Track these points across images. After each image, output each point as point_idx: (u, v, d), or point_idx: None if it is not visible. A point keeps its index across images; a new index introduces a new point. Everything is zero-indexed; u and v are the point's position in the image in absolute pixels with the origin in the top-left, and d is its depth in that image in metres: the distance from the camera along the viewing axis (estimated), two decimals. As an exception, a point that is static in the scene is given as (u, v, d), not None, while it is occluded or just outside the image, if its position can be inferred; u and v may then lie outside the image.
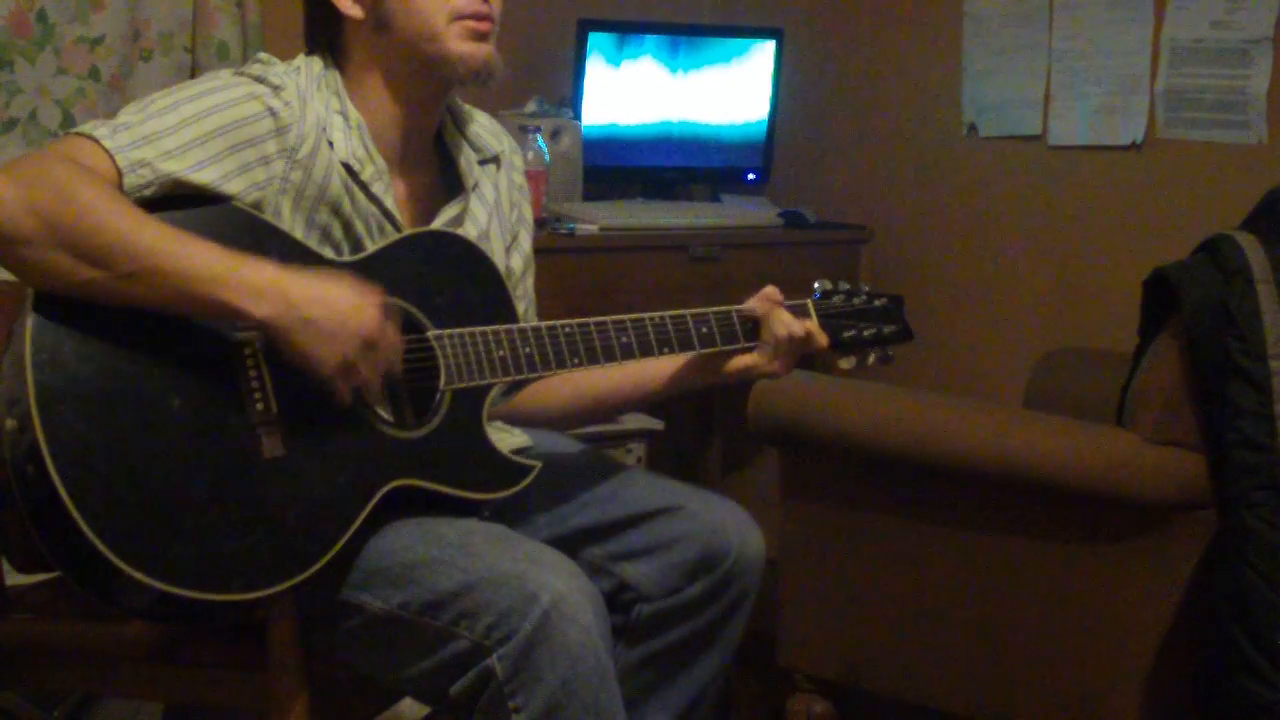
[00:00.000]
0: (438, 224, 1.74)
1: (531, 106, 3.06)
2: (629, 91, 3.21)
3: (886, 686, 2.29)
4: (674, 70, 3.26)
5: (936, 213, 3.28)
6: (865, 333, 1.83)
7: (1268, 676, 1.87)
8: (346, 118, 1.67)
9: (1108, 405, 2.15)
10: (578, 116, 3.09)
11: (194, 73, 2.70)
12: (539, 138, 2.88)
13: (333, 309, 1.49)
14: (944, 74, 3.22)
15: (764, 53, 3.36)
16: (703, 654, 1.77)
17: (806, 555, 2.35)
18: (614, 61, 3.18)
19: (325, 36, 1.72)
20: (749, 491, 3.50)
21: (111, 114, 1.59)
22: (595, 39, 3.13)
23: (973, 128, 3.19)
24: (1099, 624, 2.07)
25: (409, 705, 1.98)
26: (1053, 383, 2.69)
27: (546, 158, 2.89)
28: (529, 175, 2.77)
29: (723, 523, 1.74)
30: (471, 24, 1.67)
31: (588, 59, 3.13)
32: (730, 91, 3.34)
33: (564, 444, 1.91)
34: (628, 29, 3.21)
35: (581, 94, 3.13)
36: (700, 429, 3.51)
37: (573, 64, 3.14)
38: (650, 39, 3.22)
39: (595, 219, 2.91)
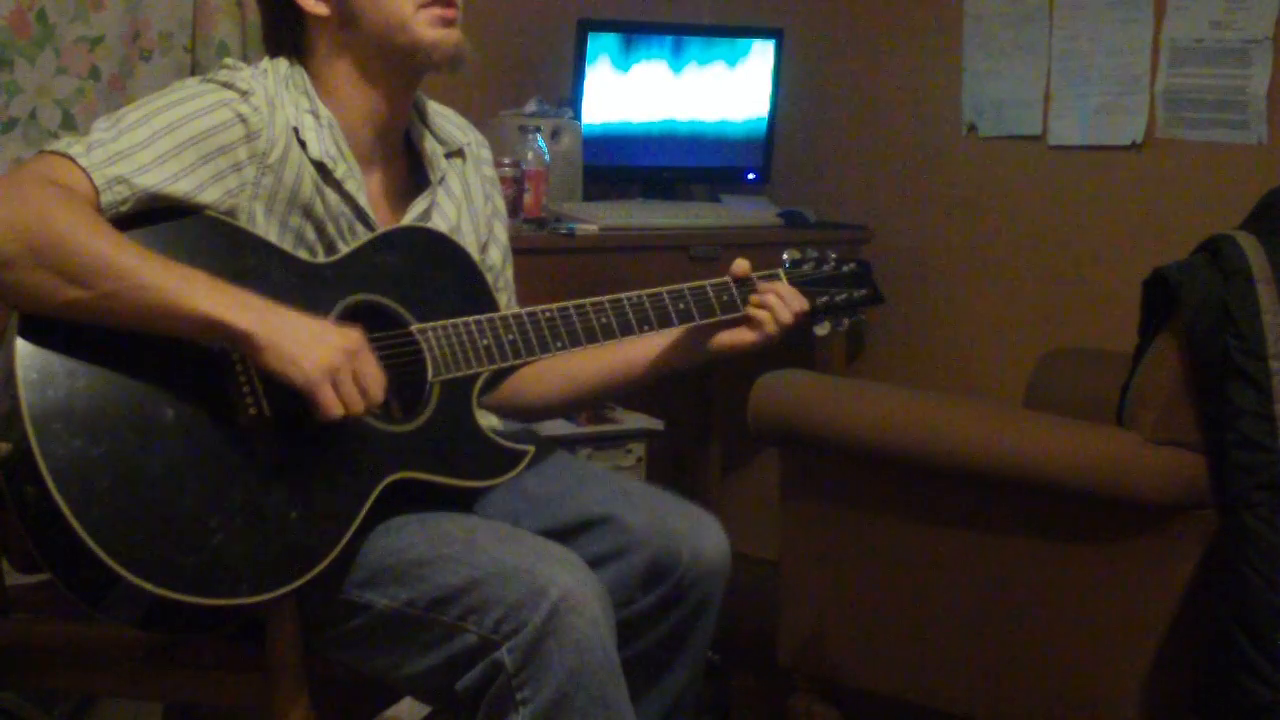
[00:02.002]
0: (407, 219, 1.74)
1: (531, 106, 3.06)
2: (629, 91, 3.21)
3: (886, 686, 2.29)
4: (674, 70, 3.26)
5: (936, 213, 3.28)
6: (837, 298, 1.85)
7: (1268, 676, 1.87)
8: (317, 116, 1.68)
9: (1108, 405, 2.16)
10: (578, 116, 3.09)
11: (194, 72, 2.69)
12: (539, 138, 2.88)
13: (312, 324, 1.51)
14: (944, 74, 3.22)
15: (764, 53, 3.36)
16: (669, 665, 1.75)
17: (806, 555, 2.35)
18: (614, 61, 3.18)
19: (289, 37, 1.72)
20: (749, 491, 3.50)
21: (108, 116, 1.59)
22: (595, 39, 3.13)
23: (973, 128, 3.19)
24: (1099, 624, 2.07)
25: (409, 705, 1.98)
26: (1053, 383, 2.69)
27: (546, 158, 2.89)
28: (529, 175, 2.80)
29: (672, 529, 1.70)
30: (439, 10, 1.68)
31: (588, 59, 3.13)
32: (730, 91, 3.34)
33: (521, 431, 1.91)
34: (627, 29, 3.21)
35: (581, 94, 3.13)
36: (700, 429, 3.51)
37: (573, 64, 3.14)
38: (650, 39, 3.22)
39: (595, 219, 2.91)
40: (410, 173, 1.80)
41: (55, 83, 2.57)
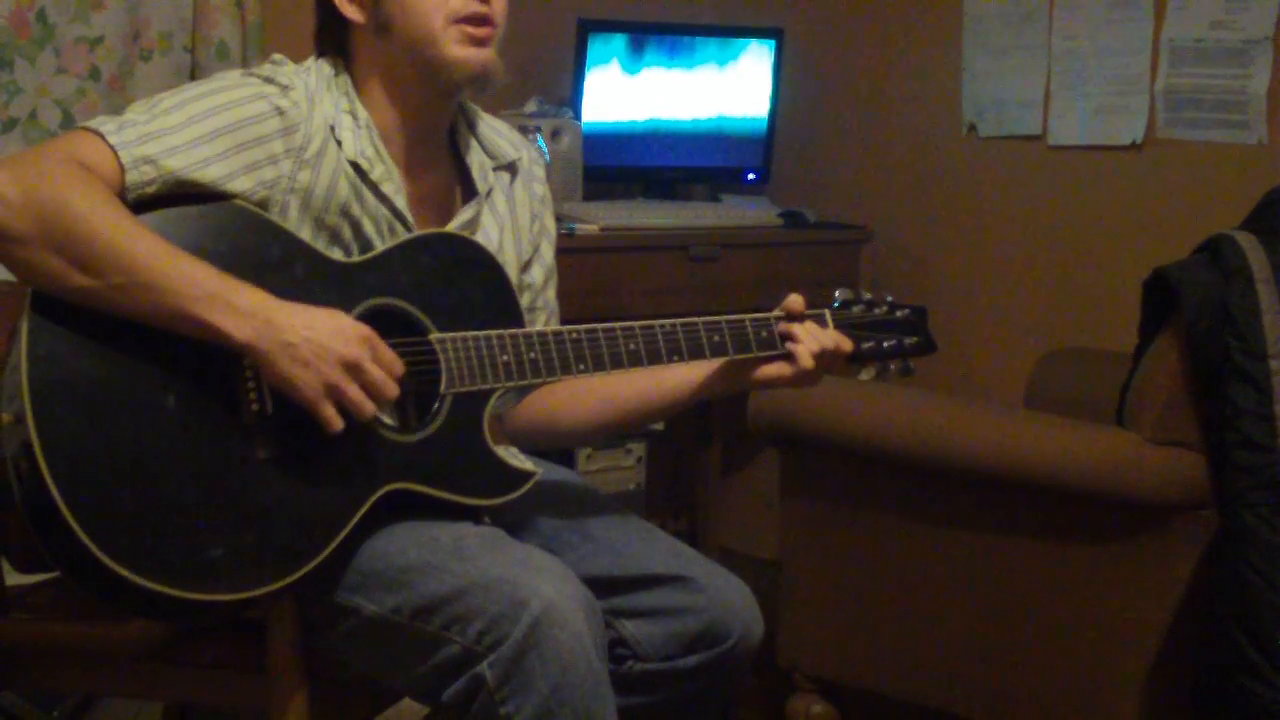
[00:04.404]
0: (451, 228, 1.73)
1: (531, 106, 3.06)
2: (629, 91, 3.21)
3: (886, 686, 2.29)
4: (674, 70, 3.26)
5: (936, 213, 3.28)
6: (885, 344, 1.79)
7: (1268, 676, 1.87)
8: (355, 117, 1.67)
9: (1108, 405, 2.16)
10: (578, 116, 3.09)
11: (194, 72, 2.69)
12: (539, 138, 2.88)
13: (313, 334, 1.48)
14: (944, 74, 3.22)
15: (764, 53, 3.36)
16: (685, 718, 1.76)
17: (806, 555, 2.35)
18: (614, 61, 3.18)
19: (333, 39, 1.72)
20: (749, 492, 3.50)
21: (113, 114, 1.59)
22: (595, 39, 3.13)
23: (973, 128, 3.20)
24: (1099, 624, 2.07)
25: (409, 705, 1.98)
26: (1053, 383, 2.69)
27: (546, 158, 2.88)
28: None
29: (732, 604, 1.70)
30: (469, 29, 1.65)
31: (588, 59, 3.13)
32: (730, 91, 3.34)
33: (574, 479, 1.90)
34: (628, 29, 3.21)
35: (581, 94, 3.13)
36: (700, 429, 3.51)
37: (573, 64, 3.14)
38: (650, 39, 3.22)
39: (595, 219, 2.91)
40: (456, 183, 1.78)
41: (55, 83, 2.57)
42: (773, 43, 3.36)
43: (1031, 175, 3.10)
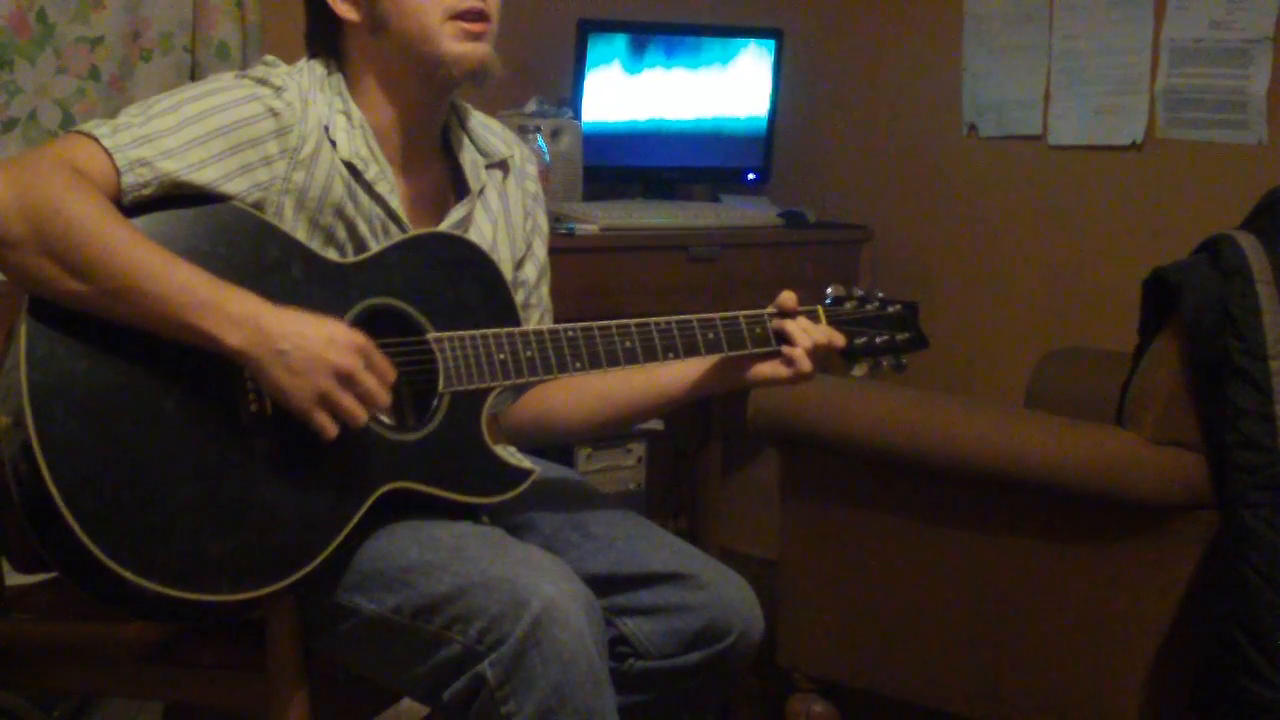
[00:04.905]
0: (444, 226, 1.73)
1: (531, 106, 3.06)
2: (629, 91, 3.21)
3: (886, 686, 2.29)
4: (674, 70, 3.26)
5: (936, 213, 3.29)
6: (877, 340, 1.81)
7: (1268, 676, 1.87)
8: (349, 117, 1.67)
9: (1108, 405, 2.16)
10: (578, 116, 3.09)
11: (194, 72, 2.69)
12: (539, 138, 2.88)
13: (306, 342, 1.47)
14: (944, 74, 3.22)
15: (764, 53, 3.36)
16: (681, 718, 1.76)
17: (806, 555, 2.35)
18: (614, 61, 3.18)
19: (326, 40, 1.72)
20: (749, 491, 3.50)
21: (111, 114, 1.60)
22: (595, 39, 3.13)
23: (973, 128, 3.20)
24: (1099, 624, 2.07)
25: (409, 705, 1.98)
26: (1053, 383, 2.69)
27: (546, 158, 2.89)
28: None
29: (732, 601, 1.70)
30: (465, 24, 1.66)
31: (588, 59, 3.13)
32: (730, 91, 3.34)
33: (573, 477, 1.91)
34: (627, 29, 3.21)
35: (581, 94, 3.13)
36: (700, 429, 3.51)
37: (573, 64, 3.14)
38: (650, 39, 3.22)
39: (595, 219, 2.91)
40: (449, 181, 1.79)
41: (55, 83, 2.57)
42: (772, 43, 3.36)
43: (1031, 175, 3.10)
